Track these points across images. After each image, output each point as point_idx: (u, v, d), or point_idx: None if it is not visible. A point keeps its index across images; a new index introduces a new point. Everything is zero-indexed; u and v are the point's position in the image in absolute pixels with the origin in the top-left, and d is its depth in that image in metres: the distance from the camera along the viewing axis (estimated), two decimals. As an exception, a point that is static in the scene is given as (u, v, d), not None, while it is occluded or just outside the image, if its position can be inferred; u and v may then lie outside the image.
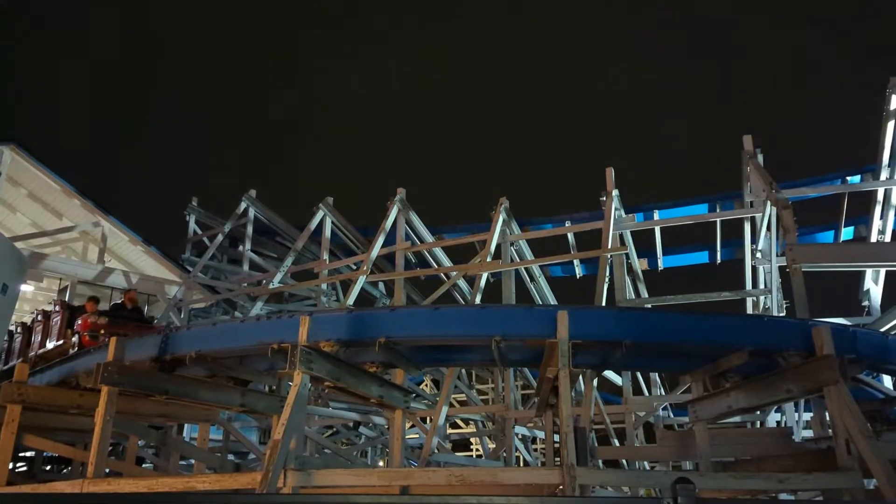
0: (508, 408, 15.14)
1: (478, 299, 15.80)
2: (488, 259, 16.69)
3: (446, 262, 19.72)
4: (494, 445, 18.00)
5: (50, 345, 13.61)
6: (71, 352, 12.37)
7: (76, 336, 12.64)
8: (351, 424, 18.09)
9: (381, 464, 19.58)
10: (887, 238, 17.40)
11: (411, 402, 10.58)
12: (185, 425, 15.82)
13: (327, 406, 15.91)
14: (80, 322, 12.77)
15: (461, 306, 16.45)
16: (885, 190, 17.27)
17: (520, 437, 16.57)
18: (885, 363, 9.82)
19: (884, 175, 17.17)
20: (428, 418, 15.56)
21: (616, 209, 17.01)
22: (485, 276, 16.39)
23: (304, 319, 8.58)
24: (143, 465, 13.96)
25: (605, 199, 16.99)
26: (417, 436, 19.30)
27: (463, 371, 19.59)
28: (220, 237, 22.29)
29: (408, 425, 15.37)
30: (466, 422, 24.86)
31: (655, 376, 18.17)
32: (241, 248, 22.96)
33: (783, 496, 10.80)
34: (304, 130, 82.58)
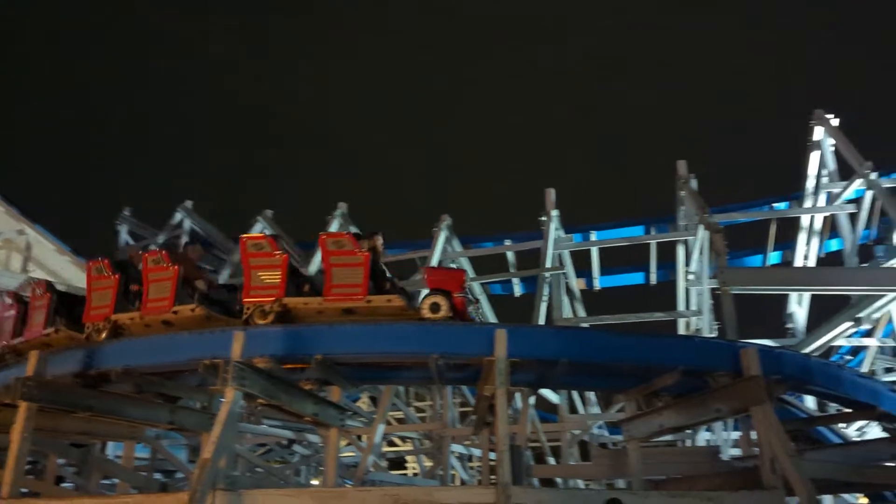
0: (446, 426, 15.08)
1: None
2: (429, 276, 16.68)
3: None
4: (431, 464, 17.89)
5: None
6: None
7: (440, 296, 9.22)
8: (285, 442, 17.71)
9: (314, 483, 19.19)
10: (811, 263, 18.19)
11: (347, 420, 10.43)
12: (109, 443, 15.20)
13: (260, 423, 15.53)
14: (439, 276, 9.63)
15: (402, 323, 16.35)
16: (810, 217, 18.08)
17: (457, 455, 16.52)
18: (808, 384, 10.17)
19: (808, 202, 18.00)
20: (364, 436, 15.34)
21: (555, 229, 17.30)
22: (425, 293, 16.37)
23: (237, 335, 8.37)
24: (63, 485, 13.31)
25: (544, 219, 17.28)
26: (353, 454, 19.02)
27: (401, 388, 19.44)
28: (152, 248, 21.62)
29: (343, 443, 15.14)
30: (403, 439, 24.66)
31: (591, 395, 18.42)
32: (174, 260, 22.29)
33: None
34: (247, 140, 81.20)
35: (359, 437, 15.98)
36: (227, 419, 7.82)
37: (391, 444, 25.15)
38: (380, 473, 14.46)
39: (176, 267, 9.91)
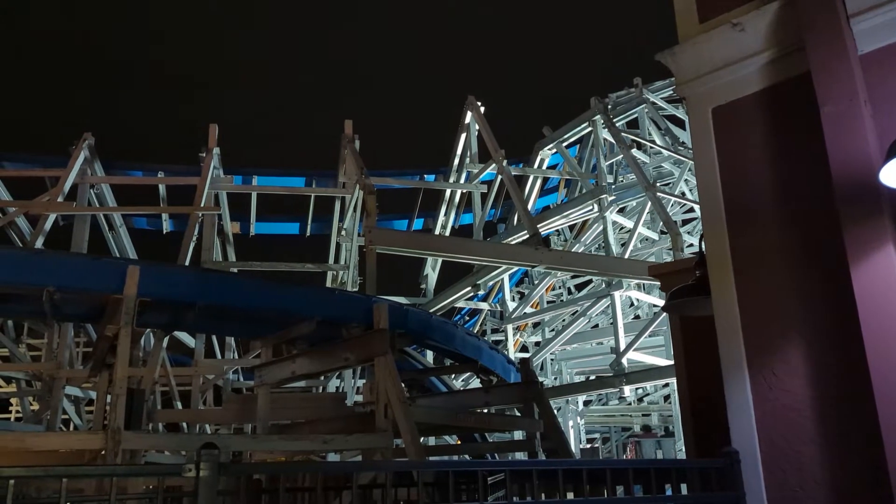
0: (61, 366, 13.55)
1: (39, 243, 13.85)
2: (60, 199, 14.76)
3: (5, 195, 16.84)
4: (37, 407, 16.01)
5: None
6: None
7: None
8: None
9: None
10: (447, 232, 20.26)
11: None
12: None
13: None
14: None
15: (12, 249, 14.20)
16: (451, 191, 20.08)
17: (72, 398, 15.03)
18: (427, 339, 11.37)
19: (452, 178, 19.95)
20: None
21: (215, 168, 16.56)
22: (52, 217, 14.46)
23: None
24: None
25: (204, 154, 16.42)
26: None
27: (10, 322, 17.01)
28: None
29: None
30: (9, 380, 21.67)
31: (231, 340, 18.19)
32: None
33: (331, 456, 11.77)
34: None
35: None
36: None
37: (-8, 384, 21.96)
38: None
39: None
